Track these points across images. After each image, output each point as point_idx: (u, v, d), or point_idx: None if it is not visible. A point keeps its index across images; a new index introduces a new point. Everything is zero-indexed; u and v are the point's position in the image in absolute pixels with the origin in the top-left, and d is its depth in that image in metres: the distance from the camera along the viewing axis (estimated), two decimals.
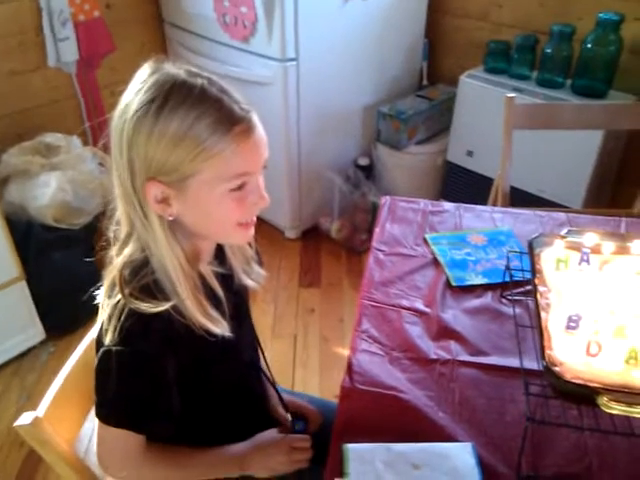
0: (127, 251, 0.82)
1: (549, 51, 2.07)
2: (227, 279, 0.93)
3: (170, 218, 0.80)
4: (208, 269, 0.89)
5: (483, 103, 2.22)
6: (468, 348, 1.06)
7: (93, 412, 0.85)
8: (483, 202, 1.90)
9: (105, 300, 0.83)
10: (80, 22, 2.33)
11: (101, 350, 0.81)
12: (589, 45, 1.98)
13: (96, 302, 0.87)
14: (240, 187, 0.79)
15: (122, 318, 0.78)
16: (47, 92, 2.42)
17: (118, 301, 0.79)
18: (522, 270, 1.06)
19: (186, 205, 0.79)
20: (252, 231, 0.88)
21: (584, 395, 0.78)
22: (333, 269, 2.55)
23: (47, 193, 2.02)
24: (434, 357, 1.04)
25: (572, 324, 0.85)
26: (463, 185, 2.48)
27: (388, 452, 0.88)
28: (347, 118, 2.56)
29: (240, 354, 1.00)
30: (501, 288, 1.16)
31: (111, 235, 0.87)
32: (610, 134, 1.99)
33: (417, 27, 2.61)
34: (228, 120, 0.76)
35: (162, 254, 0.80)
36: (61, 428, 0.93)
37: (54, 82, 2.42)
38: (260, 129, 0.80)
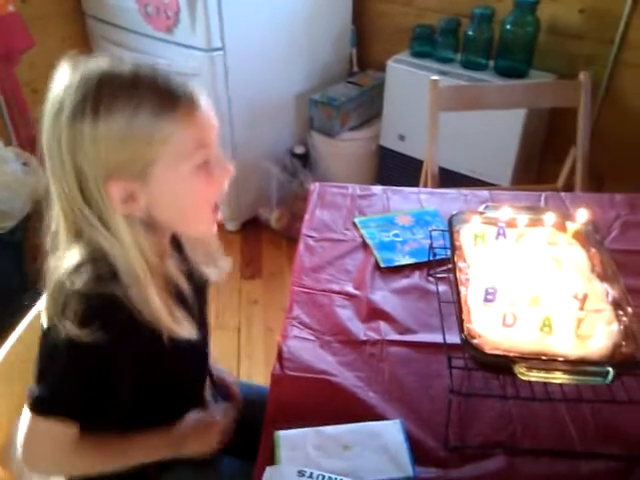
0: (72, 259, 0.77)
1: (471, 34, 2.11)
2: (190, 276, 0.89)
3: (138, 214, 0.76)
4: (172, 267, 0.85)
5: (411, 87, 2.24)
6: (397, 327, 1.07)
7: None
8: (418, 185, 1.93)
9: (54, 290, 0.77)
10: None
11: (48, 335, 0.76)
12: (508, 26, 2.03)
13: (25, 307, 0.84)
14: (205, 163, 0.77)
15: (78, 305, 0.73)
16: None
17: (74, 290, 0.74)
18: (445, 248, 1.08)
19: (154, 195, 0.76)
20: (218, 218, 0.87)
21: (502, 365, 0.80)
22: (274, 259, 2.54)
23: None
24: (364, 338, 1.05)
25: (489, 297, 0.87)
26: (397, 169, 2.51)
27: (319, 435, 0.88)
28: (280, 107, 2.54)
29: (197, 351, 0.99)
30: (427, 267, 1.18)
31: (47, 243, 0.81)
32: (532, 113, 2.05)
33: (344, 14, 2.61)
34: (169, 100, 0.73)
35: (129, 257, 0.75)
36: None
37: None
38: (203, 98, 0.78)
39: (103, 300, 0.74)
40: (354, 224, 1.34)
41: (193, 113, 0.75)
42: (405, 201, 1.42)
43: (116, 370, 0.79)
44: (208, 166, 0.78)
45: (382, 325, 1.08)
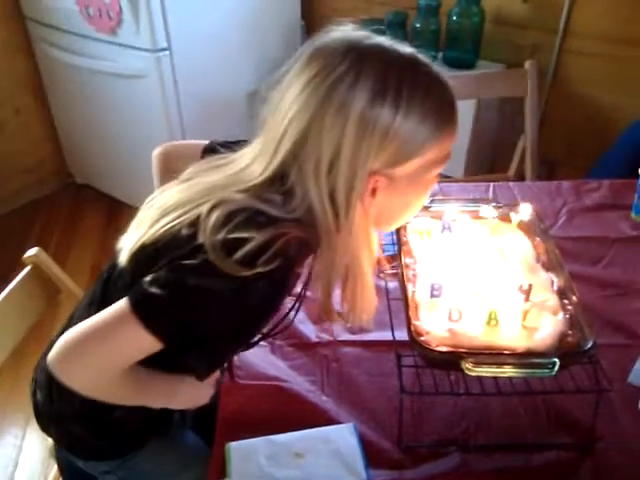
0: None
1: (418, 26, 2.11)
2: None
3: (370, 208, 0.74)
4: None
5: None
6: (349, 327, 1.06)
7: None
8: None
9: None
10: None
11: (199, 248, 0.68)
12: (454, 17, 2.03)
13: None
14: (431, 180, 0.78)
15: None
16: None
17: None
18: (393, 244, 1.07)
19: (391, 194, 0.75)
20: None
21: (450, 361, 0.79)
22: None
23: None
24: (316, 340, 1.04)
25: (435, 292, 0.86)
26: None
27: (270, 445, 0.86)
28: (232, 105, 2.50)
29: None
30: (378, 264, 1.16)
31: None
32: (482, 103, 2.06)
33: (293, 9, 2.58)
34: (449, 116, 0.73)
35: (355, 246, 0.75)
36: None
37: None
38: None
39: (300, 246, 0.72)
40: None
41: (453, 133, 0.75)
42: None
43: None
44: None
45: (334, 325, 1.06)
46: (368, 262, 0.79)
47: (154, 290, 0.68)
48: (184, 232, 0.72)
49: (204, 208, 0.71)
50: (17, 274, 1.06)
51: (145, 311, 0.68)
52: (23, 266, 1.07)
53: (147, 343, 0.69)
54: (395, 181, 0.72)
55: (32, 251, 1.08)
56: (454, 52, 2.10)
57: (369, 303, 0.83)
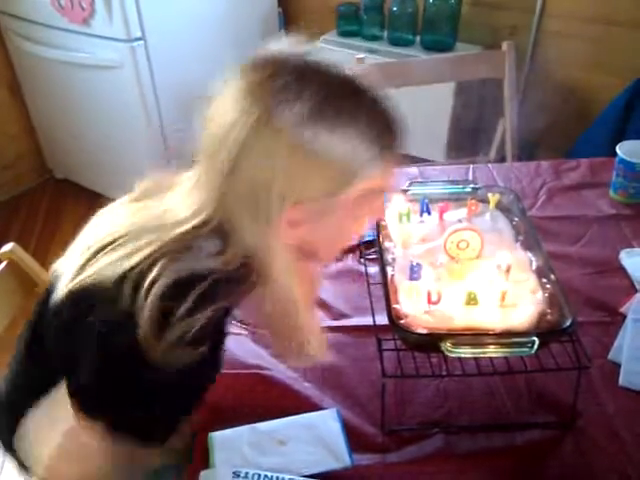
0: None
1: (395, 9, 2.09)
2: None
3: (292, 242, 0.69)
4: None
5: None
6: (331, 313, 1.05)
7: None
8: None
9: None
10: None
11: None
12: (431, 0, 2.02)
13: None
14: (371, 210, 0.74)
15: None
16: None
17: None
18: (373, 228, 1.06)
19: (317, 228, 0.70)
20: None
21: (430, 343, 0.79)
22: None
23: None
24: None
25: (414, 275, 0.86)
26: None
27: (253, 433, 0.85)
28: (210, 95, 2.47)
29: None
30: (359, 249, 1.16)
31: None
32: (462, 86, 2.06)
33: None
34: (389, 133, 0.68)
35: (284, 280, 0.70)
36: None
37: None
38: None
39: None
40: None
41: (397, 153, 0.70)
42: None
43: None
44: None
45: (316, 312, 1.05)
46: (305, 299, 0.74)
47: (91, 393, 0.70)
48: (123, 288, 0.66)
49: (143, 264, 0.66)
50: None
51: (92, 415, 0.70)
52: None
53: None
54: (333, 210, 0.68)
55: (8, 246, 1.06)
56: (432, 35, 2.09)
57: (315, 340, 0.78)
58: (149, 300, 0.63)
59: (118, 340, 0.65)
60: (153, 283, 0.64)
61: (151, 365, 0.63)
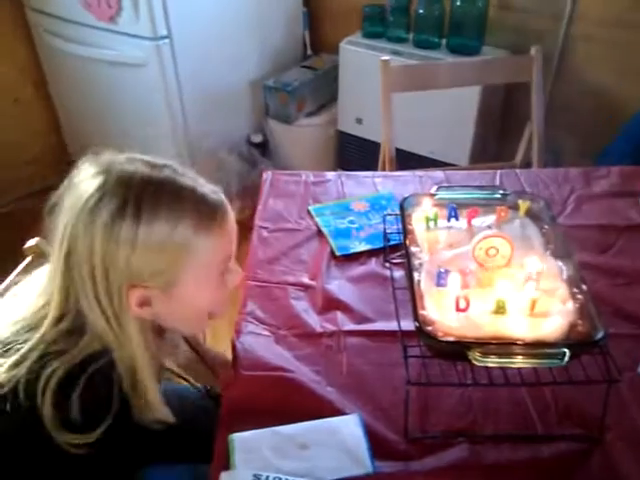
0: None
1: (422, 11, 2.07)
2: None
3: (148, 318, 0.77)
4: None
5: (365, 69, 2.20)
6: (353, 317, 1.04)
7: None
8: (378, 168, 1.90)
9: None
10: None
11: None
12: (458, 3, 2.00)
13: None
14: (224, 271, 0.80)
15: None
16: None
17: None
18: (399, 232, 1.05)
19: (169, 302, 0.77)
20: None
21: (457, 352, 0.78)
22: (240, 250, 2.49)
23: None
24: (320, 330, 1.02)
25: (442, 281, 0.85)
26: (357, 153, 2.48)
27: (275, 436, 0.85)
28: (234, 95, 2.47)
29: None
30: (383, 253, 1.15)
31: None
32: (487, 90, 2.03)
33: None
34: (208, 215, 0.74)
35: (135, 354, 0.75)
36: None
37: None
38: (228, 205, 0.79)
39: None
40: (308, 212, 1.30)
41: (225, 227, 0.77)
42: (360, 186, 1.38)
43: None
44: (225, 273, 0.81)
45: (339, 315, 1.05)
46: (148, 375, 0.77)
47: None
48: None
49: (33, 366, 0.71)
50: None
51: None
52: (24, 257, 1.06)
53: None
54: (176, 286, 0.75)
55: (32, 241, 1.07)
56: (458, 38, 2.06)
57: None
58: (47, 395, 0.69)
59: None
60: (48, 380, 0.70)
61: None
